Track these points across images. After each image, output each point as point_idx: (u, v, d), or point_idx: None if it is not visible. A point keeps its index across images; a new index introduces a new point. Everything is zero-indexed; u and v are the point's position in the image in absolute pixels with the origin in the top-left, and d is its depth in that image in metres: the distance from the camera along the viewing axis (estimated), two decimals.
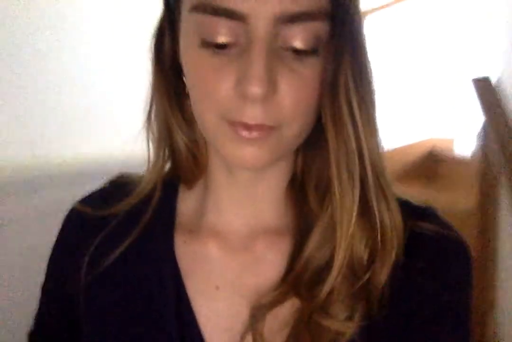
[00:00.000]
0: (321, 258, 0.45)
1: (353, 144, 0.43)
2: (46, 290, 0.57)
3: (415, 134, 2.67)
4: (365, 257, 0.45)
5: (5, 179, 1.09)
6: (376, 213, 0.44)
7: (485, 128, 1.65)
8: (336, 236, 0.44)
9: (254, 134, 0.41)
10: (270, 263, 0.49)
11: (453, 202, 1.87)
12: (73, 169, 1.22)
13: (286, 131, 0.43)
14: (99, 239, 0.52)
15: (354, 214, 0.43)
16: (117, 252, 0.50)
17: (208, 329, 0.48)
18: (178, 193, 0.54)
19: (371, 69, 0.44)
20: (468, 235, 1.63)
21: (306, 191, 0.49)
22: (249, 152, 0.42)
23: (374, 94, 0.45)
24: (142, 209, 0.52)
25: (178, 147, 0.51)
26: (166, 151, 0.52)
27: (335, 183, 0.43)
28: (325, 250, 0.45)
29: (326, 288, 0.44)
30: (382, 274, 0.45)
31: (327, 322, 0.44)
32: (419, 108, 2.67)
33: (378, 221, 0.44)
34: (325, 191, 0.46)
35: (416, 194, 1.71)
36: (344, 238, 0.43)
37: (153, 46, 0.50)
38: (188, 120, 0.51)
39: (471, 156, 1.82)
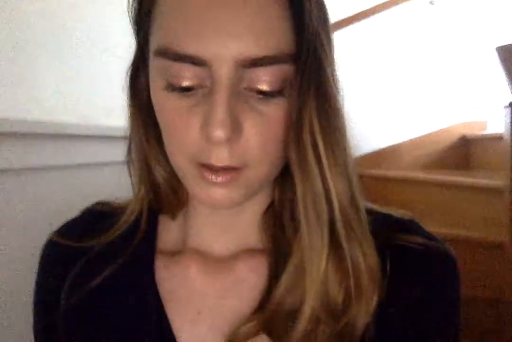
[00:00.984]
0: (293, 300, 0.44)
1: (320, 187, 0.42)
2: (37, 329, 0.56)
3: (447, 119, 2.58)
4: (340, 300, 0.44)
5: None
6: (348, 256, 0.43)
7: None
8: (306, 279, 0.43)
9: (220, 179, 0.42)
10: (251, 285, 0.48)
11: (485, 180, 1.78)
12: None
13: (254, 172, 0.43)
14: (78, 268, 0.51)
15: (324, 256, 0.42)
16: (97, 281, 0.50)
17: None
18: (159, 223, 0.54)
19: (340, 104, 0.44)
20: (502, 211, 1.57)
21: (282, 218, 0.48)
22: (218, 194, 0.43)
23: (343, 131, 0.44)
24: (125, 239, 0.51)
25: (157, 181, 0.52)
26: (147, 184, 0.52)
27: (303, 222, 0.43)
28: (296, 292, 0.44)
29: (297, 331, 0.43)
30: (361, 318, 0.44)
31: None
32: (447, 93, 2.57)
33: (350, 265, 0.43)
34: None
35: (447, 175, 1.65)
36: (314, 281, 0.42)
37: (128, 81, 0.50)
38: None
39: (503, 133, 1.73)
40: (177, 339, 0.47)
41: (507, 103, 1.66)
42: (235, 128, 0.41)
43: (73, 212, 0.58)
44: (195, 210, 0.51)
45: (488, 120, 2.59)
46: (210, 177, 0.42)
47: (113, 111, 1.18)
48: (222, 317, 0.48)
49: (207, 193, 0.43)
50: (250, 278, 0.48)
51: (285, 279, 0.44)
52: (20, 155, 1.05)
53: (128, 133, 0.52)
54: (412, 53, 2.47)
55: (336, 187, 0.42)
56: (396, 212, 0.51)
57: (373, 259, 0.44)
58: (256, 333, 0.45)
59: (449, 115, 2.57)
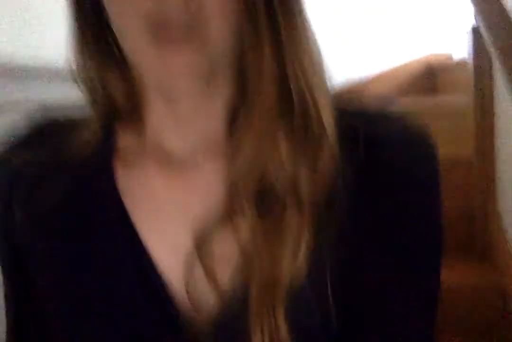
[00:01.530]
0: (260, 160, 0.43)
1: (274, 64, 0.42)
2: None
3: (410, 52, 2.66)
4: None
5: None
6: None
7: (477, 22, 1.66)
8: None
9: (178, 40, 0.39)
10: (214, 184, 0.46)
11: (450, 104, 1.90)
12: None
13: (213, 34, 0.40)
14: (30, 187, 0.49)
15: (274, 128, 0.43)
16: (55, 193, 0.47)
17: (160, 257, 0.46)
18: (116, 130, 0.50)
19: None
20: (467, 132, 1.70)
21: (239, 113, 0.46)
22: (176, 62, 0.40)
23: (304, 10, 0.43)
24: (80, 152, 0.48)
25: (109, 86, 0.48)
26: (101, 93, 0.49)
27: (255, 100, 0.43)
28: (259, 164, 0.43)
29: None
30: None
31: (276, 245, 0.42)
32: (413, 26, 2.65)
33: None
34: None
35: (412, 101, 1.75)
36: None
37: None
38: (120, 60, 0.48)
39: (466, 58, 1.83)
40: (146, 242, 0.46)
41: (470, 28, 1.76)
42: None
43: None
44: (153, 112, 0.48)
45: (453, 52, 2.68)
46: (164, 35, 0.39)
47: None
48: (187, 217, 0.46)
49: (163, 62, 0.40)
50: (212, 178, 0.46)
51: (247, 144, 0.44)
52: None
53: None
54: None
55: (297, 61, 0.42)
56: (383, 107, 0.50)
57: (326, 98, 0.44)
58: (227, 222, 0.44)
59: (415, 48, 2.66)
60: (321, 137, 0.43)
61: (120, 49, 0.45)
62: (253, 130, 0.43)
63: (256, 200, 0.43)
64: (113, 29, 0.43)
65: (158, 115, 0.48)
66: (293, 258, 0.41)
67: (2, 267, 0.54)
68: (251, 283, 0.42)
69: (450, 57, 2.67)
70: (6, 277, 0.53)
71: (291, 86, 0.43)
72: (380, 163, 0.44)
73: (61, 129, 0.51)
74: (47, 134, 0.52)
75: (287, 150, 0.43)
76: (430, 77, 2.62)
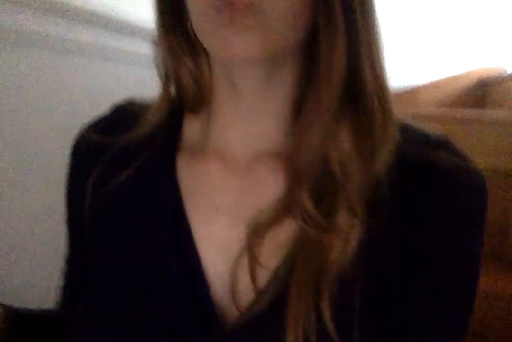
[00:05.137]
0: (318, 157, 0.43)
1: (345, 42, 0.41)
2: (66, 221, 0.58)
3: (462, 65, 2.62)
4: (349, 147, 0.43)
5: None
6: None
7: None
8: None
9: (237, 11, 0.39)
10: (272, 185, 0.47)
11: (497, 113, 1.86)
12: None
13: (273, 15, 0.40)
14: (103, 165, 0.52)
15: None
16: (120, 178, 0.50)
17: (204, 250, 0.47)
18: (183, 122, 0.53)
19: None
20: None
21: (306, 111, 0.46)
22: (234, 40, 0.40)
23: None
24: (148, 136, 0.51)
25: (182, 76, 0.50)
26: (173, 81, 0.51)
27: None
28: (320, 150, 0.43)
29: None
30: (380, 162, 0.43)
31: (328, 237, 0.42)
32: (467, 38, 2.61)
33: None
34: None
35: (462, 112, 1.72)
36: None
37: None
38: (193, 47, 0.50)
39: None
40: (193, 235, 0.47)
41: None
42: None
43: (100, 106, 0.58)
44: (218, 104, 0.50)
45: (507, 68, 2.63)
46: (228, 14, 0.40)
47: None
48: (240, 215, 0.47)
49: (227, 43, 0.40)
50: (271, 179, 0.47)
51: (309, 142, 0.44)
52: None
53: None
54: None
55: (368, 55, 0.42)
56: (432, 131, 0.49)
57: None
58: (279, 220, 0.45)
59: (468, 60, 2.62)
60: (382, 138, 0.43)
61: (196, 37, 0.45)
62: (320, 122, 0.42)
63: (313, 192, 0.43)
64: (187, 9, 0.44)
65: (223, 109, 0.49)
66: (343, 250, 0.41)
67: (69, 234, 0.58)
68: (295, 271, 0.42)
69: (504, 72, 2.61)
70: (69, 245, 0.58)
71: (360, 81, 0.42)
72: (430, 190, 0.44)
73: (138, 113, 0.53)
74: (125, 117, 0.54)
75: (349, 144, 0.43)
76: (481, 91, 2.57)
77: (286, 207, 0.45)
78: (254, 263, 0.44)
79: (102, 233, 0.51)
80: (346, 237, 0.41)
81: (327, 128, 0.43)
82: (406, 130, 0.47)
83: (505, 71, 2.60)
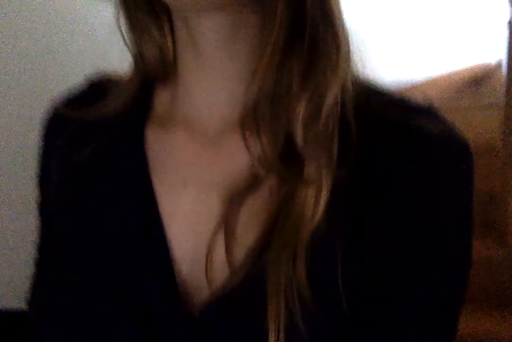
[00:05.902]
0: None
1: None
2: (39, 206, 0.56)
3: (456, 62, 2.71)
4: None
5: None
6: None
7: None
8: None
9: None
10: (242, 155, 0.45)
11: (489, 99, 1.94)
12: None
13: None
14: (69, 138, 0.51)
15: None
16: (87, 151, 0.49)
17: (171, 225, 0.45)
18: (152, 93, 0.51)
19: None
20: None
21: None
22: None
23: None
24: (118, 110, 0.49)
25: (145, 45, 0.49)
26: (139, 51, 0.49)
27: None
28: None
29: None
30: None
31: (300, 191, 0.41)
32: (456, 35, 2.70)
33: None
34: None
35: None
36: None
37: None
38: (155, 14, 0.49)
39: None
40: (159, 207, 0.46)
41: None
42: None
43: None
44: (184, 69, 0.48)
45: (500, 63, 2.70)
46: None
47: None
48: (210, 188, 0.45)
49: None
50: (241, 149, 0.45)
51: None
52: None
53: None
54: None
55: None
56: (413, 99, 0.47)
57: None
58: (256, 185, 0.43)
59: (463, 56, 2.70)
60: (332, 76, 0.41)
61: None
62: (268, 56, 0.41)
63: (281, 159, 0.42)
64: None
65: (189, 76, 0.47)
66: (316, 200, 0.40)
67: (41, 220, 0.56)
68: (272, 241, 0.40)
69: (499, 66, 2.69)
70: (41, 232, 0.55)
71: (306, 12, 0.41)
72: (414, 154, 0.43)
73: (111, 87, 0.52)
74: (98, 91, 0.53)
75: (297, 80, 0.42)
76: (476, 86, 2.65)
77: (256, 169, 0.43)
78: (229, 236, 0.42)
79: (68, 208, 0.49)
80: (318, 186, 0.41)
81: (276, 62, 0.41)
82: (386, 95, 0.46)
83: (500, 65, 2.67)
